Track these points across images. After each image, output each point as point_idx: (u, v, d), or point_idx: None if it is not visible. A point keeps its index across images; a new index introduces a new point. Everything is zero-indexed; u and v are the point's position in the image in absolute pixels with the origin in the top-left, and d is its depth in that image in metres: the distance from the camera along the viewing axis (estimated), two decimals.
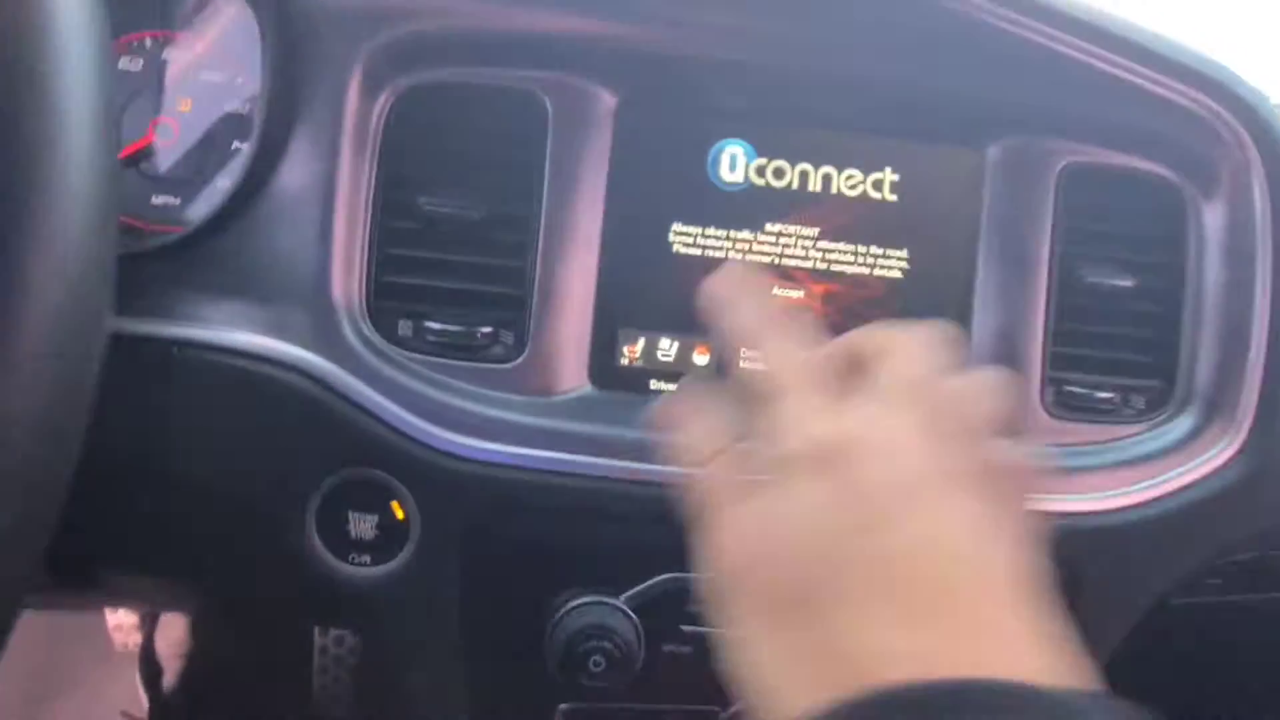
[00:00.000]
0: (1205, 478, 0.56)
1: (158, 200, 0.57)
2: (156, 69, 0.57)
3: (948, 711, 0.24)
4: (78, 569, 0.64)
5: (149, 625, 1.19)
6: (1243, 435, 0.56)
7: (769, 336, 0.35)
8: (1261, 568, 0.69)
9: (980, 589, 0.29)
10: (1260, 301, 0.56)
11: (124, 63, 0.59)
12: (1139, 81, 0.55)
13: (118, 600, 1.00)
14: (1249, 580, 0.69)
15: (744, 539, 0.31)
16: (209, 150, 0.57)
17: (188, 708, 1.10)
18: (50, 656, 1.39)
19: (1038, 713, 0.25)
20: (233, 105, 0.57)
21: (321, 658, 1.33)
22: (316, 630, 1.26)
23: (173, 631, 1.23)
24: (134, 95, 0.58)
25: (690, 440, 0.35)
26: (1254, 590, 0.70)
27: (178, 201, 0.57)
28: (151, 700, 1.11)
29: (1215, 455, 0.56)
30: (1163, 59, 0.55)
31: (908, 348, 0.34)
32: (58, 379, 0.33)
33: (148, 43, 0.58)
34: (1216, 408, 0.57)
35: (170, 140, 0.57)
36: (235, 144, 0.57)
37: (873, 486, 0.29)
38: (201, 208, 0.55)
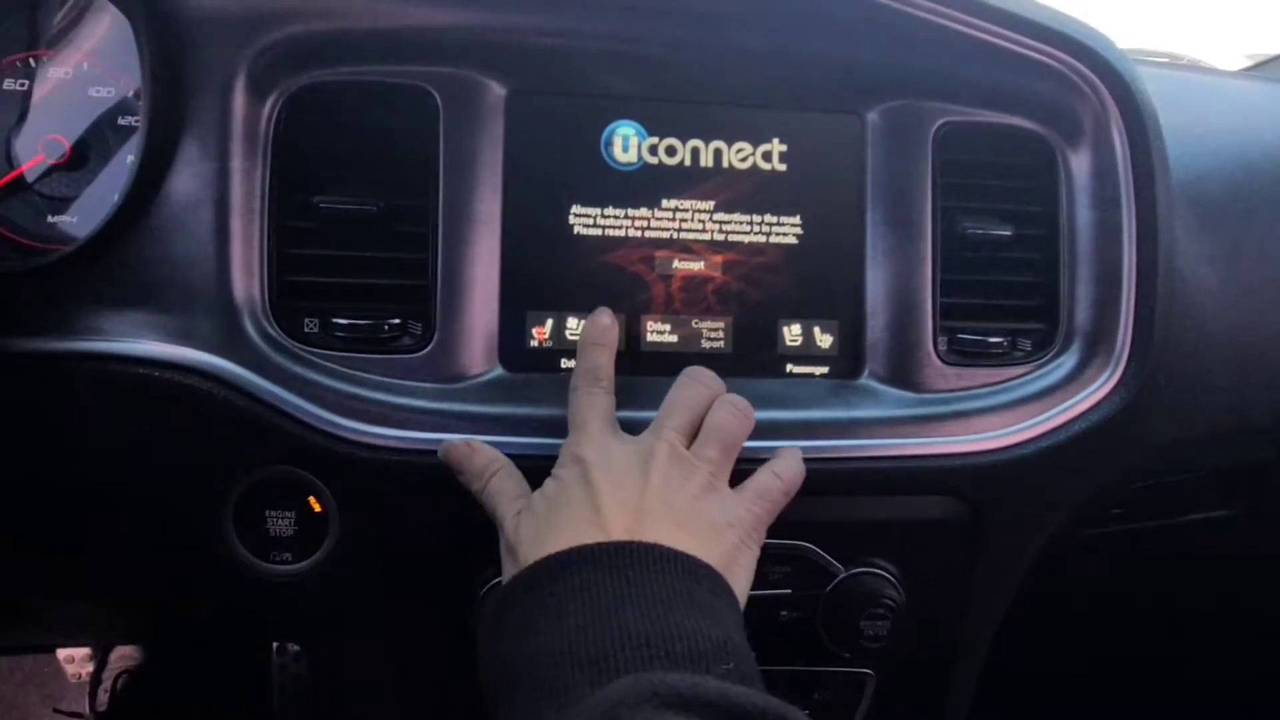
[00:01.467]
0: (1090, 409, 0.59)
1: (53, 219, 0.57)
2: (43, 88, 0.57)
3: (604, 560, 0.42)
4: (3, 598, 0.63)
5: (100, 655, 1.17)
6: (1121, 368, 0.60)
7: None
8: (1160, 495, 0.73)
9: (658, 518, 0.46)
10: (1128, 242, 0.60)
11: (8, 84, 0.58)
12: (1002, 43, 0.59)
13: (58, 635, 0.99)
14: (1149, 508, 0.73)
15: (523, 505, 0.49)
16: (100, 165, 0.57)
17: None
18: None
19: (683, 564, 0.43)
20: (123, 119, 0.57)
21: (281, 675, 1.31)
22: (274, 649, 1.25)
23: (125, 662, 1.21)
24: (21, 116, 0.58)
25: (473, 468, 0.51)
26: (1155, 517, 0.74)
27: (74, 219, 0.57)
28: None
29: (1098, 388, 0.60)
30: (1023, 20, 0.58)
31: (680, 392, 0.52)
32: None
33: (31, 63, 0.58)
34: (1096, 344, 0.60)
35: (60, 158, 0.57)
36: (128, 158, 0.57)
37: (599, 476, 0.47)
38: (94, 222, 0.55)
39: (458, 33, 0.55)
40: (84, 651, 1.25)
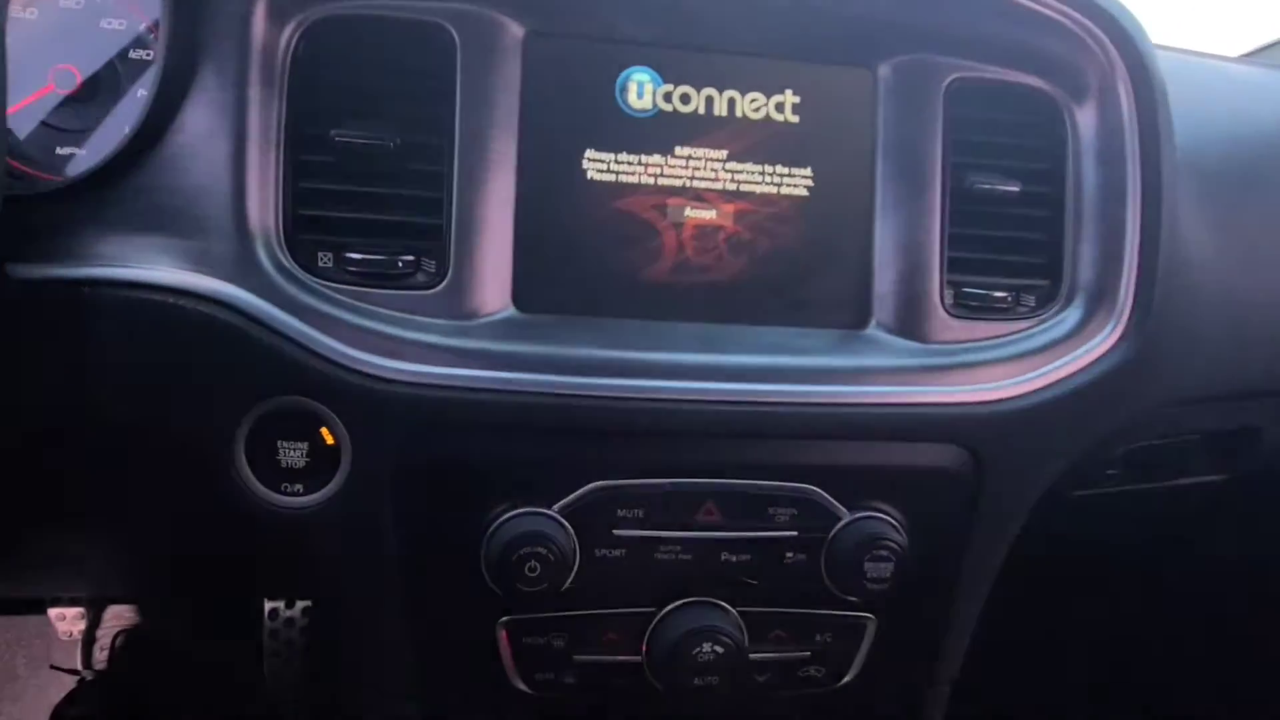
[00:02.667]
0: (1092, 363, 0.60)
1: (62, 150, 0.56)
2: (54, 16, 0.57)
3: None
4: (2, 528, 0.63)
5: (93, 613, 1.17)
6: (1123, 323, 0.61)
7: None
8: (1154, 458, 0.75)
9: None
10: (1132, 199, 0.61)
11: (17, 10, 0.58)
12: None
13: (54, 581, 0.98)
14: (1143, 471, 0.75)
15: None
16: (112, 97, 0.56)
17: (131, 689, 1.08)
18: None
19: None
20: (135, 51, 0.57)
21: (272, 641, 1.32)
22: (267, 612, 1.25)
23: (119, 620, 1.21)
24: (30, 42, 0.57)
25: None
26: (1148, 479, 0.75)
27: (83, 151, 0.56)
28: (95, 680, 1.08)
29: (1100, 343, 0.61)
30: None
31: None
32: None
33: None
34: (1099, 300, 0.62)
35: (71, 88, 0.56)
36: (140, 91, 0.56)
37: None
38: (103, 154, 0.54)
39: None
40: (75, 610, 1.24)
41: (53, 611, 1.27)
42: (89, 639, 1.19)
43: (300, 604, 1.24)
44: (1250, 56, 1.20)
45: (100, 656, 1.17)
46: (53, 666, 1.19)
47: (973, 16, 0.60)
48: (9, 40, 0.55)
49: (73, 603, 1.22)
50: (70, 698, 1.11)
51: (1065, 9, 0.60)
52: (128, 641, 1.19)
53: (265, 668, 1.22)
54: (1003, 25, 0.61)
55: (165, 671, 1.20)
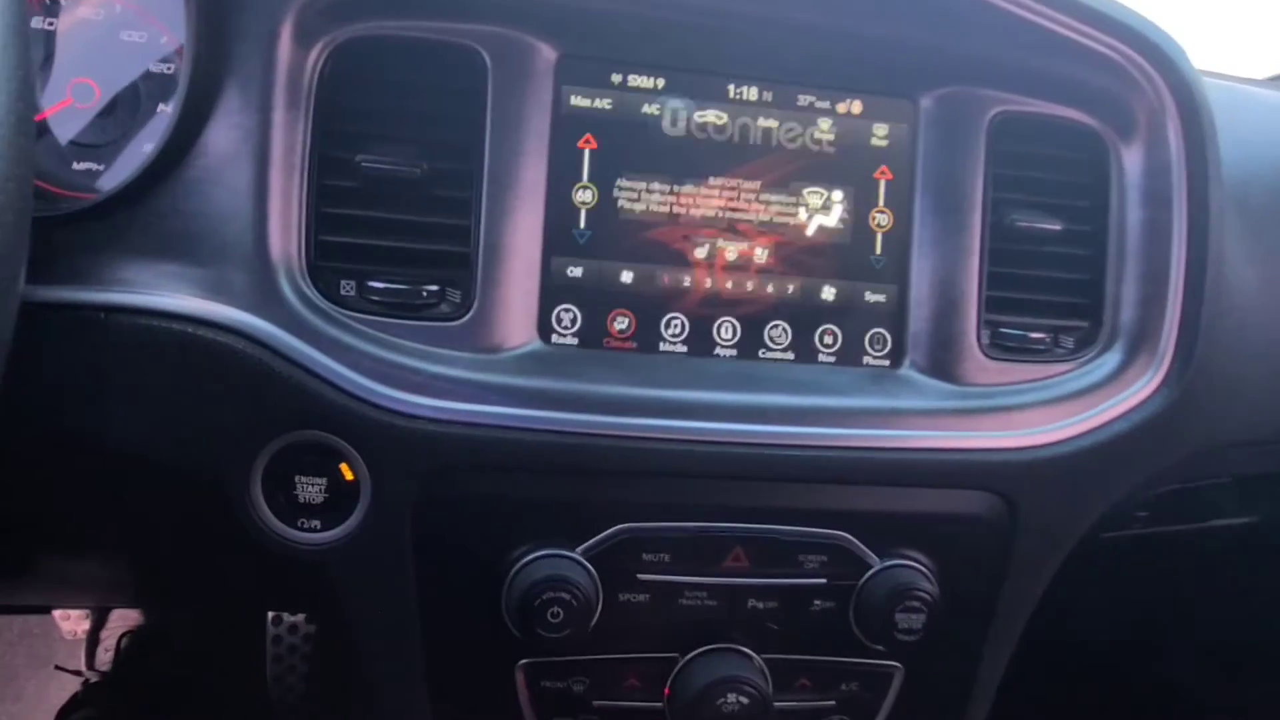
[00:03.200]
0: (1132, 410, 0.59)
1: (79, 166, 0.55)
2: (72, 27, 0.55)
3: None
4: (14, 552, 0.61)
5: (97, 615, 1.16)
6: (1164, 369, 0.59)
7: None
8: (1183, 501, 0.73)
9: None
10: (1177, 241, 0.59)
11: (36, 21, 0.56)
12: (1060, 30, 0.58)
13: (64, 595, 0.97)
14: (1173, 513, 0.73)
15: None
16: (131, 113, 0.54)
17: (136, 691, 1.07)
18: None
19: None
20: (155, 65, 0.55)
21: (275, 647, 1.30)
22: (270, 619, 1.24)
23: (125, 622, 1.20)
24: (49, 55, 0.56)
25: None
26: (1179, 521, 0.74)
27: (101, 167, 0.55)
28: (100, 681, 1.08)
29: (1140, 389, 0.59)
30: (1082, 7, 0.57)
31: None
32: None
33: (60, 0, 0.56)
34: (1140, 344, 0.60)
35: (90, 103, 0.55)
36: (160, 106, 0.55)
37: None
38: (124, 172, 0.53)
39: None
40: (80, 612, 1.24)
41: (57, 613, 1.27)
42: (93, 640, 1.18)
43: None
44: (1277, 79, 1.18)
45: (104, 658, 1.16)
46: (57, 667, 1.19)
47: (1019, 48, 0.58)
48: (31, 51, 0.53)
49: (77, 605, 1.21)
50: (75, 699, 1.10)
51: (1115, 43, 0.58)
52: (132, 643, 1.19)
53: (269, 673, 1.21)
54: (1050, 58, 0.59)
55: (170, 673, 1.19)
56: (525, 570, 0.52)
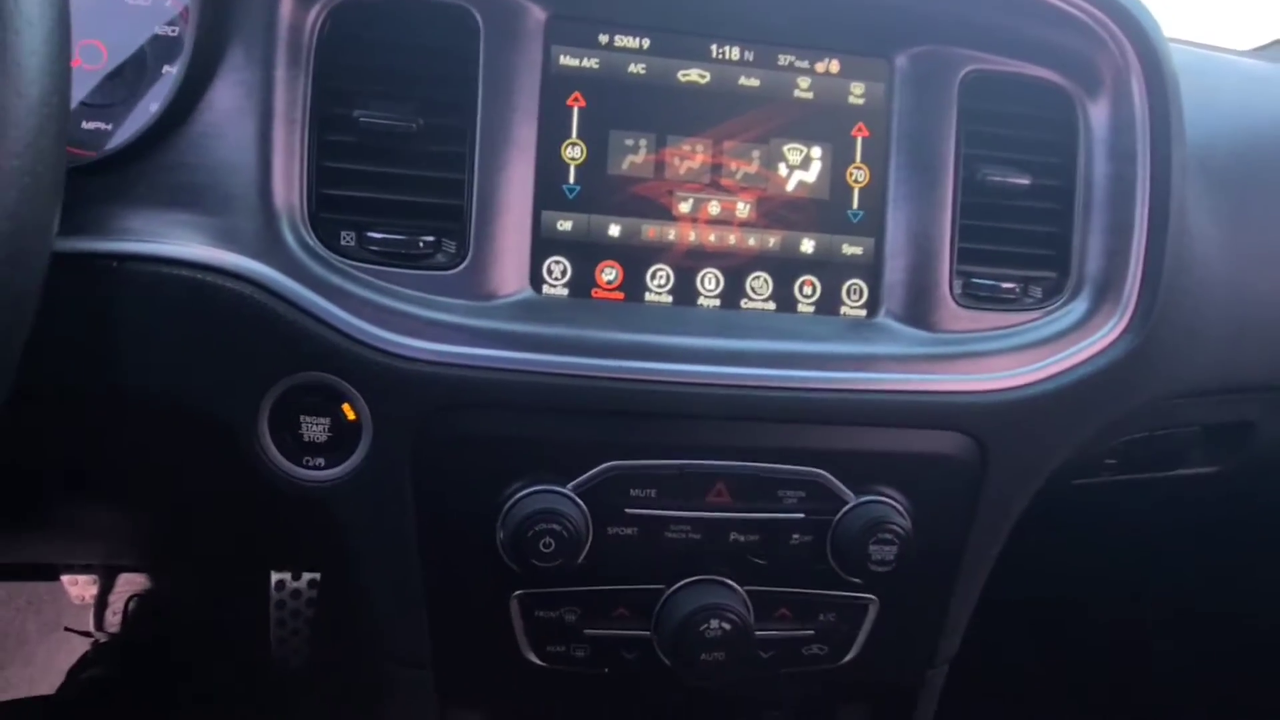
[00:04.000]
0: (1096, 355, 0.61)
1: (88, 125, 0.57)
2: None
3: None
4: (25, 500, 0.64)
5: (105, 578, 1.19)
6: (1127, 317, 0.62)
7: None
8: (1150, 450, 0.76)
9: None
10: (1141, 195, 0.62)
11: None
12: None
13: (71, 549, 1.00)
14: (1141, 462, 0.76)
15: None
16: (138, 74, 0.57)
17: (145, 651, 1.10)
18: None
19: None
20: (161, 28, 0.57)
21: (279, 610, 1.34)
22: (274, 583, 1.27)
23: (130, 585, 1.23)
24: None
25: None
26: (1145, 470, 0.77)
27: (109, 126, 0.57)
28: (109, 642, 1.11)
29: (1104, 336, 0.62)
30: None
31: None
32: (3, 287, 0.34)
33: None
34: (1105, 293, 0.63)
35: (98, 64, 0.57)
36: (165, 68, 0.57)
37: None
38: (130, 131, 0.55)
39: None
40: (88, 576, 1.27)
41: (65, 577, 1.30)
42: (101, 603, 1.21)
43: (307, 576, 1.26)
44: (1261, 50, 1.20)
45: (113, 620, 1.19)
46: (67, 629, 1.22)
47: (990, 9, 0.61)
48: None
49: (86, 569, 1.25)
50: (84, 660, 1.13)
51: (1081, 3, 0.60)
52: (140, 606, 1.22)
53: (272, 635, 1.25)
54: (1020, 18, 0.61)
55: (178, 634, 1.22)
56: (519, 504, 0.55)
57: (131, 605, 1.18)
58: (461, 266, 0.56)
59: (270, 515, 0.69)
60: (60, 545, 0.84)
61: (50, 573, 1.27)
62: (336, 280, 0.53)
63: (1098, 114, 0.63)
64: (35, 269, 0.35)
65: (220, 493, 0.64)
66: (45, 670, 1.33)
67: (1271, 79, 0.89)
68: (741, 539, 0.59)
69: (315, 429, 0.54)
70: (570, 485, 0.56)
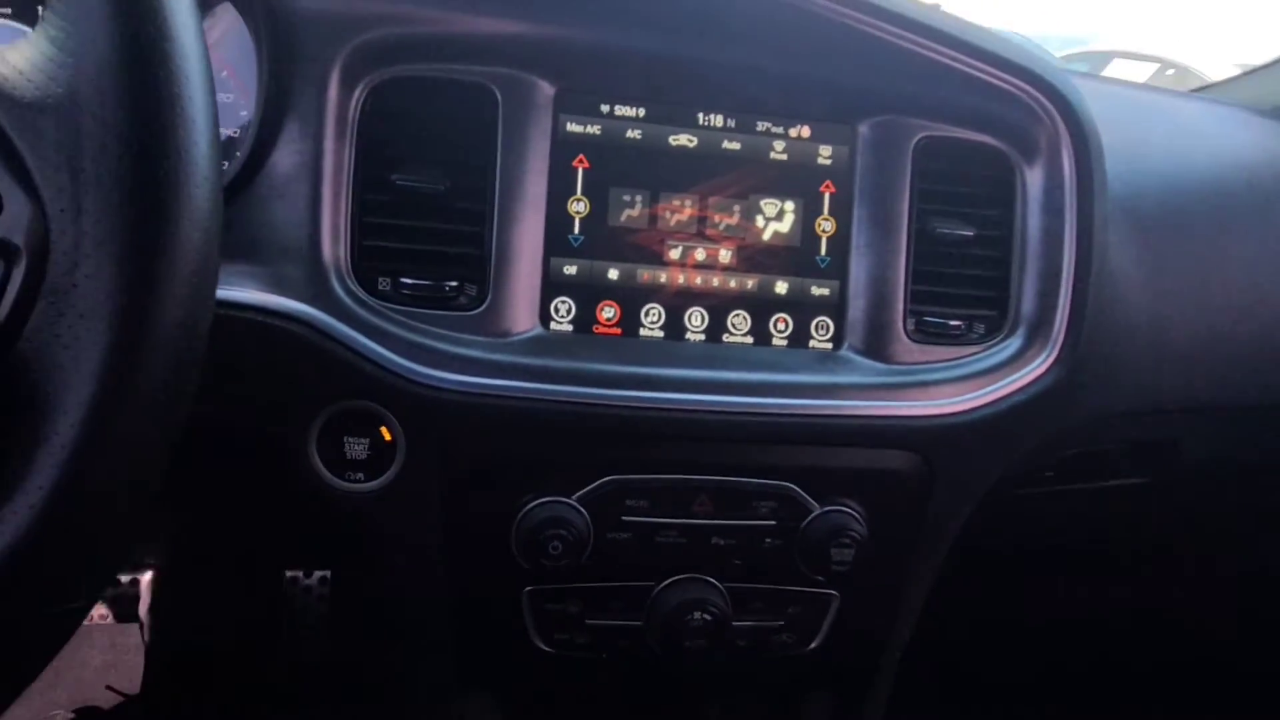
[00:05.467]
0: (1029, 384, 0.71)
1: None
2: None
3: None
4: None
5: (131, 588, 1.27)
6: (1056, 351, 0.71)
7: None
8: (1086, 463, 0.86)
9: None
10: (1069, 246, 0.71)
11: None
12: (974, 72, 0.69)
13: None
14: (1076, 473, 0.86)
15: None
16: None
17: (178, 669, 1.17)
18: None
19: None
20: (224, 97, 0.66)
21: (290, 606, 1.42)
22: (287, 579, 1.35)
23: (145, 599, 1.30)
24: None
25: None
26: (1080, 481, 0.87)
27: None
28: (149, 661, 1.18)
29: (1036, 368, 0.71)
30: (993, 54, 0.69)
31: None
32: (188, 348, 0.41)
33: None
34: (1037, 330, 0.72)
35: None
36: (225, 132, 0.66)
37: None
38: None
39: (515, 40, 0.65)
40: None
41: None
42: (123, 598, 1.28)
43: (318, 574, 1.34)
44: (1199, 91, 1.30)
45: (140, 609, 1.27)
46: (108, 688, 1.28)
47: (941, 86, 0.70)
48: None
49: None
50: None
51: (1019, 83, 0.70)
52: (155, 600, 1.29)
53: (285, 630, 1.33)
54: (967, 94, 0.70)
55: (194, 632, 1.30)
56: (531, 513, 0.64)
57: (152, 600, 1.26)
58: (482, 308, 0.65)
59: (290, 519, 0.77)
60: None
61: None
62: (376, 321, 0.62)
63: (1033, 176, 0.72)
64: (210, 308, 0.42)
65: (245, 498, 0.72)
66: (66, 666, 1.40)
67: (1200, 125, 0.99)
68: (721, 542, 0.68)
69: (357, 448, 0.63)
70: (575, 496, 0.65)
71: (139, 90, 0.36)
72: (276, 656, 1.31)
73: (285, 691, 1.27)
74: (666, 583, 0.68)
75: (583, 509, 0.65)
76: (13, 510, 0.35)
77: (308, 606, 1.34)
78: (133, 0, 0.36)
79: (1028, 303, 0.73)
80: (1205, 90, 1.29)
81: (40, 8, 0.39)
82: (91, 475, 0.36)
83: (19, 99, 0.36)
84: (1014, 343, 0.73)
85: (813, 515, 0.68)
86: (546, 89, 0.66)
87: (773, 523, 0.68)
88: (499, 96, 0.65)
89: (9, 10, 0.65)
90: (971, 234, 0.72)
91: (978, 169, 0.73)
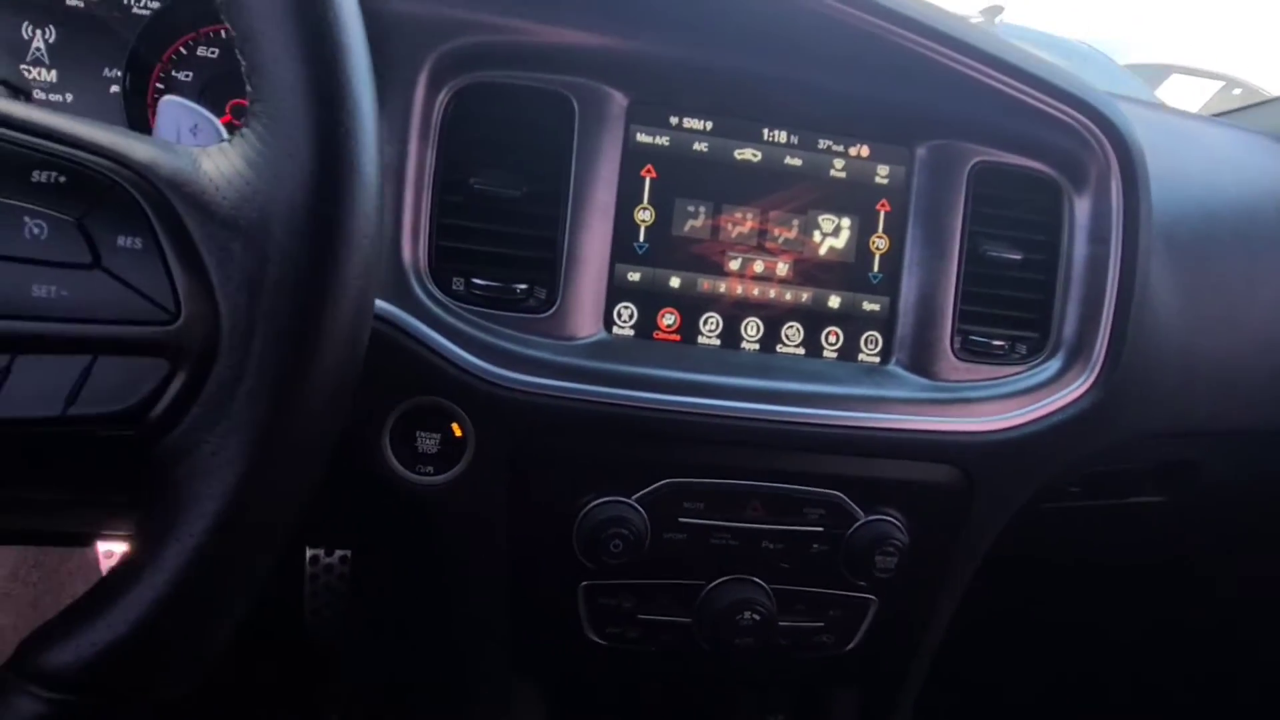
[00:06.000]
0: (1068, 405, 0.74)
1: None
2: (232, 55, 0.67)
3: None
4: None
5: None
6: (1095, 373, 0.74)
7: None
8: (1110, 481, 0.89)
9: None
10: (1112, 273, 0.74)
11: (202, 51, 0.68)
12: (1031, 100, 0.72)
13: (114, 521, 1.08)
14: (1101, 490, 0.89)
15: None
16: None
17: None
18: (41, 590, 1.46)
19: None
20: None
21: (313, 584, 1.44)
22: (309, 558, 1.37)
23: None
24: (212, 80, 0.68)
25: None
26: (1104, 497, 0.90)
27: None
28: None
29: (1075, 389, 0.74)
30: (1049, 84, 0.72)
31: None
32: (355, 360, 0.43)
33: (223, 34, 0.68)
34: (1077, 354, 0.75)
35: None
36: None
37: None
38: None
39: (593, 51, 0.67)
40: (124, 548, 1.35)
41: (101, 547, 1.38)
42: None
43: (339, 552, 1.36)
44: (1227, 114, 1.32)
45: None
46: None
47: (997, 112, 0.72)
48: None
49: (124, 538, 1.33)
50: None
51: (1073, 112, 0.72)
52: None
53: (306, 607, 1.34)
54: (1021, 120, 0.73)
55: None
56: (593, 512, 0.66)
57: None
58: (550, 311, 0.67)
59: (342, 505, 0.79)
60: (95, 517, 0.93)
61: (85, 539, 1.35)
62: (451, 320, 0.64)
63: (1081, 204, 0.75)
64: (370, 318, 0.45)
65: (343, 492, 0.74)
66: None
67: (1231, 153, 1.02)
68: (771, 546, 0.71)
69: (428, 443, 0.65)
70: (634, 496, 0.67)
71: (322, 229, 0.38)
72: (297, 634, 1.33)
73: (306, 676, 1.28)
74: (717, 582, 0.71)
75: (642, 509, 0.67)
76: (138, 594, 0.38)
77: (329, 585, 1.36)
78: (330, 133, 0.38)
79: (1069, 326, 0.75)
80: (1228, 116, 1.32)
81: (243, 115, 0.40)
82: (213, 576, 0.39)
83: (213, 214, 0.38)
84: (1054, 364, 0.75)
85: (858, 523, 0.71)
86: (620, 99, 0.68)
87: (820, 529, 0.71)
88: (576, 105, 0.67)
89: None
90: (1019, 258, 0.75)
91: (1029, 195, 0.75)
